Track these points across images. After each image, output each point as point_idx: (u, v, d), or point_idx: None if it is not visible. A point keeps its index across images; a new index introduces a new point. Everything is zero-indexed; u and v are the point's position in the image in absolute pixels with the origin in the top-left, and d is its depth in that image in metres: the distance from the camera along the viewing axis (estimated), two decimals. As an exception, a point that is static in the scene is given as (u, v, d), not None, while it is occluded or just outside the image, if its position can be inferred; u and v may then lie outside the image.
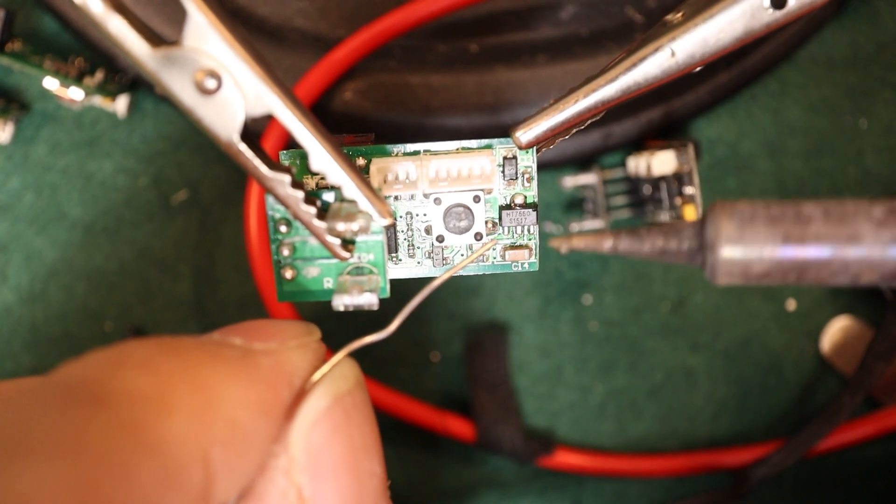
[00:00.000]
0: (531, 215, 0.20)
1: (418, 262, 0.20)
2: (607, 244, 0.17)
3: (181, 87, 0.15)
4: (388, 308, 0.37)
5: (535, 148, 0.19)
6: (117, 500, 0.11)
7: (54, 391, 0.12)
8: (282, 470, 0.15)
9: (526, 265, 0.20)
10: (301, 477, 0.15)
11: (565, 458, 0.35)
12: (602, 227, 0.34)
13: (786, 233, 0.14)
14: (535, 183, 0.20)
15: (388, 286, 0.20)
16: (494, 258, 0.20)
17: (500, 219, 0.20)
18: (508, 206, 0.20)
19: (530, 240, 0.20)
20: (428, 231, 0.20)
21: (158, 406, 0.12)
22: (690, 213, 0.30)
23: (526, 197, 0.20)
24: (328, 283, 0.20)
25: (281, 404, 0.15)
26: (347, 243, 0.19)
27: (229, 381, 0.14)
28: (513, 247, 0.20)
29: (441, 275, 0.19)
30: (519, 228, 0.20)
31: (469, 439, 0.34)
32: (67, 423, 0.12)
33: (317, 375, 0.16)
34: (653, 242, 0.16)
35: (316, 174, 0.19)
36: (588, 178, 0.34)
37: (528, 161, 0.20)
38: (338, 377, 0.16)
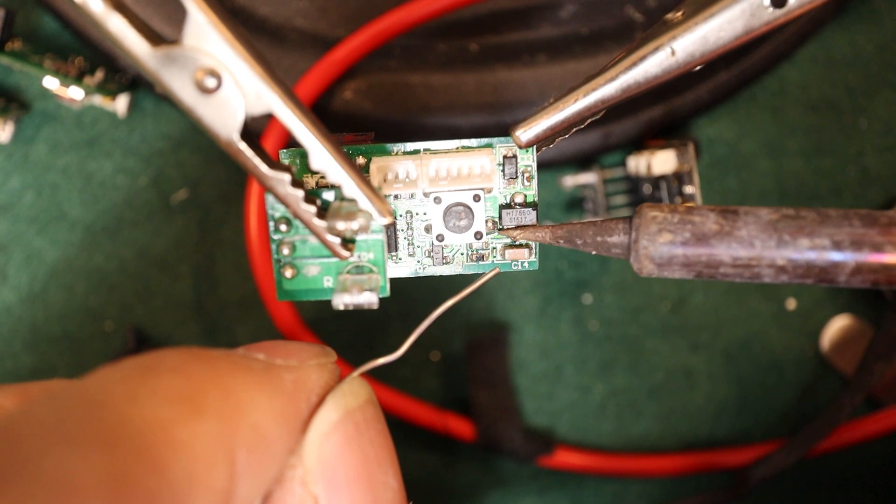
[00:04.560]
0: (531, 214, 0.20)
1: (418, 261, 0.20)
2: (548, 237, 0.19)
3: (181, 86, 0.15)
4: (389, 307, 0.37)
5: (534, 147, 0.19)
6: (149, 491, 0.12)
7: (91, 389, 0.13)
8: (299, 480, 0.16)
9: (526, 264, 0.20)
10: (317, 487, 0.16)
11: (565, 458, 0.35)
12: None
13: (692, 235, 0.16)
14: (535, 182, 0.20)
15: (388, 285, 0.20)
16: (494, 257, 0.20)
17: (500, 218, 0.20)
18: (508, 206, 0.20)
19: None
20: (428, 230, 0.20)
21: (190, 407, 0.13)
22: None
23: (526, 196, 0.20)
24: (328, 282, 0.20)
25: (300, 417, 0.16)
26: (347, 242, 0.19)
27: (255, 390, 0.15)
28: (513, 246, 0.20)
29: (446, 304, 0.18)
30: None
31: (469, 439, 0.34)
32: (105, 417, 0.12)
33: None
34: (586, 238, 0.18)
35: (316, 173, 0.19)
36: (588, 178, 0.34)
37: (528, 160, 0.20)
38: (348, 393, 0.17)
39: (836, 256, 0.16)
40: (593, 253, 0.18)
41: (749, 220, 0.16)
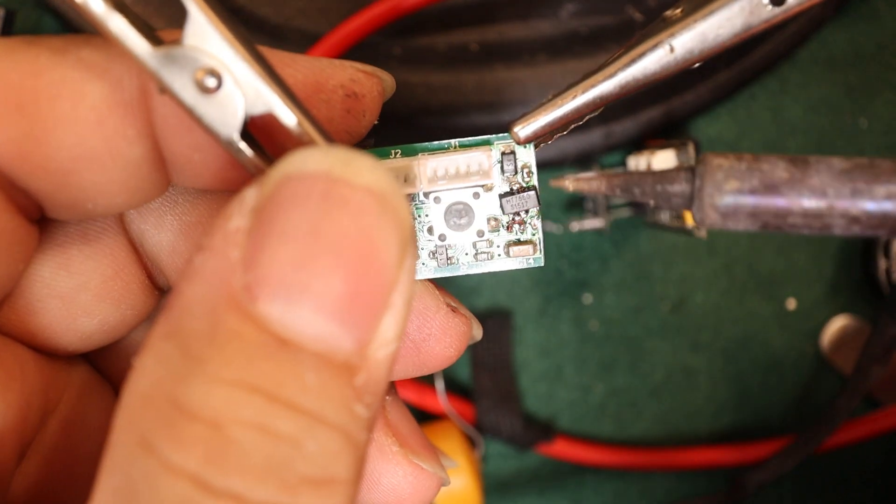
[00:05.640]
0: (531, 197, 0.19)
1: (423, 264, 0.20)
2: (604, 186, 0.18)
3: (182, 86, 0.15)
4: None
5: (533, 143, 0.19)
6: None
7: None
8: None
9: (531, 261, 0.20)
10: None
11: (564, 448, 0.35)
12: (602, 226, 0.34)
13: (760, 183, 0.15)
14: (535, 178, 0.20)
15: None
16: (498, 255, 0.20)
17: (500, 208, 0.19)
18: (508, 193, 0.19)
19: (534, 234, 0.20)
20: (430, 231, 0.20)
21: None
22: (690, 213, 0.30)
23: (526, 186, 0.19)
24: None
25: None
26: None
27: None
28: (517, 243, 0.20)
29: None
30: (522, 224, 0.20)
31: (469, 421, 0.34)
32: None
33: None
34: (645, 187, 0.17)
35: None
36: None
37: (527, 157, 0.19)
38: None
39: None
40: (651, 204, 0.17)
41: (821, 168, 0.15)
